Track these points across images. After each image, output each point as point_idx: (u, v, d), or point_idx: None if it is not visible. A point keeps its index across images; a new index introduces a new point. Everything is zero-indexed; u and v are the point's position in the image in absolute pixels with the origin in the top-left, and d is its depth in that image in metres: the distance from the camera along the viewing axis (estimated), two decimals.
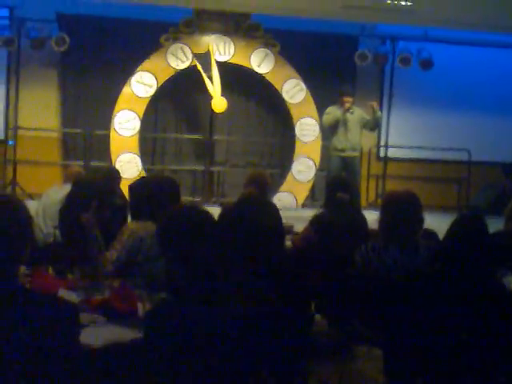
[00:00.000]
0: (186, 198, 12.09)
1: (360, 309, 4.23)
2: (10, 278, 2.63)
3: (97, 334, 3.52)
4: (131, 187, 5.19)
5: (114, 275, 4.48)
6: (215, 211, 4.04)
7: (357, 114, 11.03)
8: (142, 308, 3.87)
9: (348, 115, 10.93)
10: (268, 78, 12.66)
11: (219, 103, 12.28)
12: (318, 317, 3.80)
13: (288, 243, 6.13)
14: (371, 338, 3.88)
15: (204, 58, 12.29)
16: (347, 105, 10.91)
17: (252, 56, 12.57)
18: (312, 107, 12.73)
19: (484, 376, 3.69)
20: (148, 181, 5.45)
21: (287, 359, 2.82)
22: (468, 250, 3.96)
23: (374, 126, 11.33)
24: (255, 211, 3.67)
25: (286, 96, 12.72)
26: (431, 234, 5.72)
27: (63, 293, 4.10)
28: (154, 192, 4.86)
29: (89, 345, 3.32)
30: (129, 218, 5.69)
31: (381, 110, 11.71)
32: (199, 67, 12.24)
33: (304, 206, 12.72)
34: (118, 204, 6.53)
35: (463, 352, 3.68)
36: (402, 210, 4.64)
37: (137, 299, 3.98)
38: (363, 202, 11.96)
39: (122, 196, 7.16)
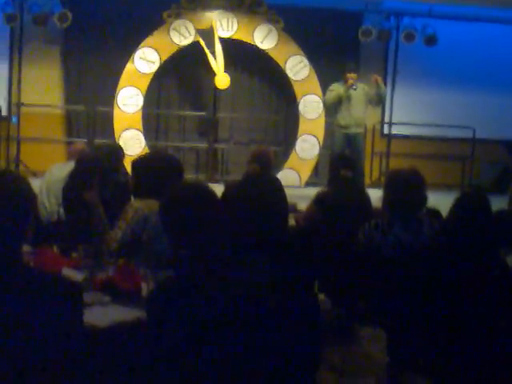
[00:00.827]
0: (189, 176, 12.10)
1: (363, 288, 4.23)
2: (13, 257, 2.62)
3: (101, 314, 3.53)
4: (134, 164, 5.16)
5: (119, 254, 4.47)
6: (219, 189, 4.04)
7: (361, 90, 10.99)
8: (146, 287, 3.87)
9: (351, 91, 10.88)
10: (271, 54, 12.61)
11: (222, 79, 12.25)
12: (321, 296, 3.80)
13: (291, 221, 6.13)
14: (375, 318, 3.88)
15: (207, 33, 12.25)
16: (350, 81, 10.86)
17: (255, 32, 12.52)
18: (316, 84, 12.68)
19: (487, 355, 3.69)
20: (150, 158, 5.42)
21: (294, 341, 2.81)
22: (471, 228, 3.96)
23: (378, 100, 11.29)
24: (259, 188, 3.66)
25: (289, 73, 12.67)
26: (435, 212, 5.72)
27: (67, 271, 4.11)
28: (156, 169, 4.82)
29: (93, 324, 3.32)
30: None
31: (385, 86, 11.64)
32: (202, 43, 12.20)
33: (308, 183, 12.71)
34: (122, 181, 6.52)
35: (466, 331, 3.68)
36: (405, 188, 4.63)
37: (141, 278, 3.98)
38: (367, 180, 11.95)
39: (126, 173, 7.15)
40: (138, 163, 5.13)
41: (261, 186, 3.69)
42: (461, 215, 4.05)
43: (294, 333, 2.78)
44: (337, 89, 10.97)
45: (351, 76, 10.90)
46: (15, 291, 2.55)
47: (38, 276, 2.68)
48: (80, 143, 9.86)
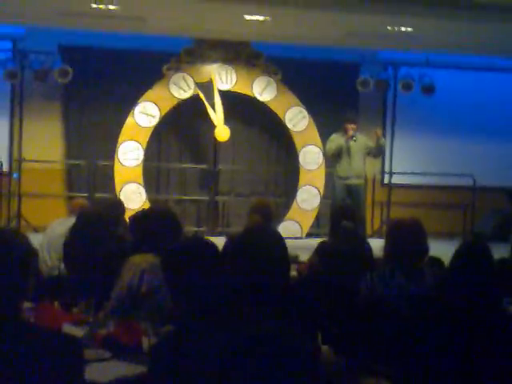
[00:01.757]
0: (190, 228, 12.10)
1: (367, 338, 4.20)
2: (14, 314, 2.61)
3: (102, 370, 3.50)
4: (131, 220, 5.19)
5: (116, 311, 4.46)
6: (220, 241, 4.03)
7: (360, 142, 11.02)
8: (147, 342, 3.85)
9: (351, 143, 10.91)
10: (270, 105, 12.70)
11: (222, 132, 12.32)
12: (325, 348, 3.77)
13: (293, 273, 6.11)
14: (379, 369, 3.85)
15: (206, 86, 12.35)
16: (350, 132, 10.90)
17: (254, 84, 12.62)
18: (315, 135, 12.75)
19: None
20: (148, 213, 5.44)
21: None
22: (473, 277, 3.94)
23: (377, 153, 11.34)
24: (260, 241, 3.65)
25: (288, 124, 12.75)
26: (436, 261, 5.71)
27: (68, 327, 4.09)
28: (154, 225, 4.85)
29: (94, 381, 3.30)
30: None
31: (384, 135, 11.72)
32: (202, 96, 12.29)
33: (309, 234, 12.69)
34: (123, 235, 6.51)
35: (471, 380, 3.65)
36: (406, 238, 4.63)
37: (142, 333, 3.96)
38: (368, 230, 11.94)
39: (126, 227, 7.15)
40: (135, 219, 5.15)
41: (262, 238, 3.69)
42: (462, 264, 4.04)
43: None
44: (337, 140, 11.00)
45: (351, 127, 10.93)
46: (16, 347, 2.54)
47: (38, 332, 2.67)
48: (81, 199, 9.87)
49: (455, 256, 4.19)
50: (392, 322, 4.14)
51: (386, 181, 13.84)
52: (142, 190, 12.32)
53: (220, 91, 12.39)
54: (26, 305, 4.12)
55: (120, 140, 12.26)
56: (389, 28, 11.15)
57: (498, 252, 4.85)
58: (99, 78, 12.74)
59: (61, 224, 7.09)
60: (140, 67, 12.59)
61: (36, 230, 11.28)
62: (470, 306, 3.76)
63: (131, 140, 12.30)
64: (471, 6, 10.18)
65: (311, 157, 12.77)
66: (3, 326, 2.56)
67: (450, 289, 3.94)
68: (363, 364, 3.96)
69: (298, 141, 12.80)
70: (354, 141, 10.89)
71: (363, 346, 4.23)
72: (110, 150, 12.38)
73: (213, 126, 12.32)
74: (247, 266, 3.55)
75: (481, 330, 3.67)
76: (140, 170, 12.38)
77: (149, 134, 12.41)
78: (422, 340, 3.73)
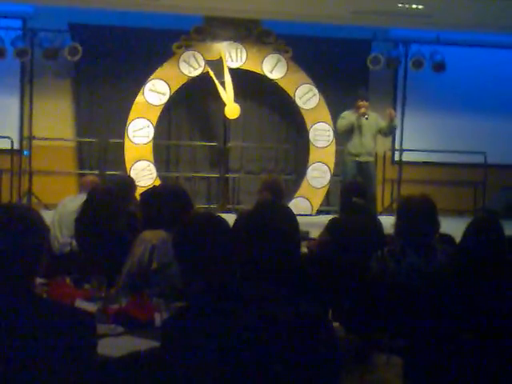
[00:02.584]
0: (201, 206, 12.11)
1: (378, 315, 4.21)
2: (27, 289, 2.63)
3: (114, 344, 3.52)
4: (142, 197, 5.22)
5: (127, 286, 4.48)
6: (231, 218, 4.04)
7: (372, 119, 10.99)
8: (159, 317, 3.87)
9: (363, 120, 10.89)
10: (280, 83, 12.67)
11: (232, 109, 12.30)
12: (335, 324, 3.78)
13: (304, 249, 6.12)
14: (390, 346, 3.86)
15: (216, 64, 12.33)
16: (363, 109, 10.86)
17: (264, 62, 12.58)
18: (325, 112, 12.72)
19: (507, 378, 3.66)
20: (158, 190, 5.46)
21: (309, 371, 2.80)
22: (484, 253, 3.94)
23: (388, 133, 11.32)
24: (271, 217, 3.66)
25: (299, 102, 12.72)
26: (447, 238, 5.71)
27: (80, 303, 4.11)
28: (164, 201, 4.87)
29: (106, 355, 3.31)
30: None
31: (395, 113, 11.67)
32: (212, 74, 12.27)
33: (319, 211, 12.70)
34: (134, 212, 6.53)
35: (483, 355, 3.65)
36: (416, 215, 4.63)
37: (154, 308, 3.98)
38: (379, 207, 11.93)
39: (137, 204, 7.17)
40: (146, 195, 5.17)
41: (272, 215, 3.69)
42: (474, 240, 4.04)
43: (311, 363, 2.76)
44: (348, 117, 10.97)
45: (363, 104, 10.89)
46: (29, 323, 2.56)
47: (51, 307, 2.68)
48: (92, 175, 9.90)
49: (466, 233, 4.19)
50: (403, 298, 4.15)
51: (396, 158, 13.82)
52: (153, 168, 12.33)
53: (230, 69, 12.37)
54: (39, 281, 4.15)
55: (130, 118, 12.26)
56: (399, 5, 11.09)
57: (510, 229, 4.85)
58: (109, 56, 12.72)
59: (72, 201, 7.11)
60: (150, 45, 12.58)
61: (47, 207, 11.32)
62: (481, 282, 3.76)
63: (141, 118, 12.30)
64: None
65: (321, 134, 12.75)
66: (17, 301, 2.58)
67: (461, 265, 3.94)
68: (374, 340, 3.98)
69: (308, 118, 12.78)
70: (366, 119, 10.87)
71: (374, 322, 4.24)
72: (120, 128, 12.39)
73: (223, 104, 12.31)
74: (258, 243, 3.56)
75: (493, 307, 3.67)
76: (150, 148, 12.39)
77: (159, 111, 12.41)
78: (433, 316, 3.73)
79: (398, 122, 11.63)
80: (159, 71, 12.31)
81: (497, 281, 3.88)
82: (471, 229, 4.26)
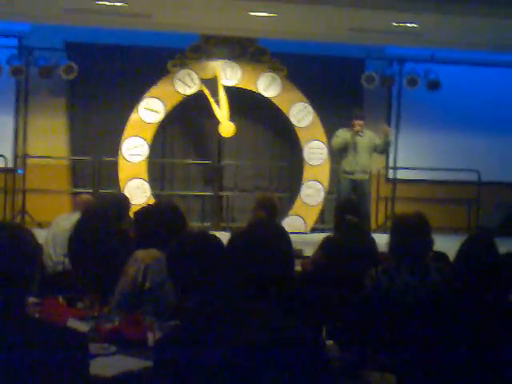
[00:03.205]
0: (195, 224, 12.10)
1: (372, 333, 4.20)
2: (18, 308, 2.61)
3: (107, 364, 3.50)
4: (136, 215, 5.20)
5: (120, 306, 4.46)
6: (225, 236, 4.03)
7: (367, 137, 11.02)
8: (152, 336, 3.85)
9: (358, 138, 10.92)
10: (275, 101, 12.70)
11: (227, 128, 12.31)
12: (329, 342, 3.77)
13: (298, 268, 6.11)
14: (384, 363, 3.85)
15: (211, 83, 12.35)
16: (357, 128, 10.91)
17: (259, 80, 12.62)
18: (320, 130, 12.75)
19: None
20: (152, 209, 5.45)
21: None
22: (479, 271, 3.94)
23: (384, 150, 11.35)
24: (265, 236, 3.65)
25: (293, 119, 12.74)
26: (441, 256, 5.70)
27: (73, 322, 4.09)
28: (158, 220, 4.85)
29: (99, 375, 3.30)
30: None
31: (389, 129, 11.70)
32: (206, 92, 12.29)
33: (313, 229, 12.69)
34: (128, 230, 6.52)
35: (476, 374, 3.64)
36: (410, 233, 4.62)
37: (147, 328, 3.96)
38: (372, 225, 11.94)
39: (131, 222, 7.16)
40: (139, 214, 5.16)
41: (266, 233, 3.68)
42: (468, 258, 4.04)
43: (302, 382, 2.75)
44: (343, 135, 11.00)
45: (358, 123, 10.95)
46: (20, 342, 2.54)
47: (43, 327, 2.67)
48: (86, 194, 9.88)
49: (461, 251, 4.19)
50: (397, 316, 4.14)
51: (390, 176, 13.84)
52: (147, 186, 12.32)
53: (225, 87, 12.39)
54: (31, 300, 4.13)
55: (124, 136, 12.27)
56: (394, 24, 11.14)
57: (504, 247, 4.85)
58: (104, 75, 12.75)
59: (66, 219, 7.10)
60: (145, 63, 12.61)
61: (40, 225, 11.31)
62: (475, 300, 3.76)
63: (136, 136, 12.30)
64: (477, 1, 10.17)
65: (315, 152, 12.76)
66: (8, 320, 2.56)
67: (456, 283, 3.94)
68: (368, 358, 3.96)
69: (302, 136, 12.79)
70: (361, 136, 10.90)
71: (368, 340, 4.23)
72: (114, 146, 12.39)
73: (217, 122, 12.32)
74: (252, 262, 3.55)
75: (486, 324, 3.67)
76: (144, 166, 12.39)
77: (153, 129, 12.41)
78: (427, 334, 3.73)
79: (392, 139, 11.66)
80: (154, 89, 12.33)
81: (491, 298, 3.87)
82: (466, 247, 4.27)
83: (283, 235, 3.73)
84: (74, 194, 12.43)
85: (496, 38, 11.71)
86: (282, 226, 4.03)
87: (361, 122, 11.00)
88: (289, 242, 3.70)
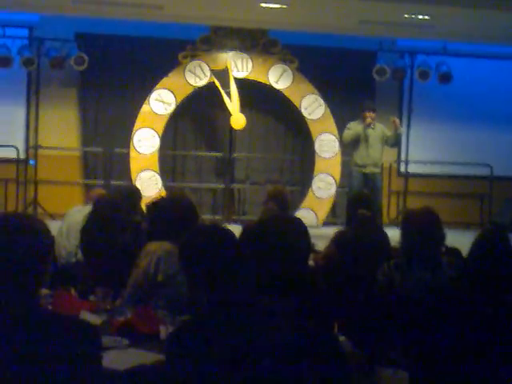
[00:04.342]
0: (206, 216, 12.10)
1: (384, 329, 4.18)
2: (31, 300, 2.61)
3: (119, 357, 3.50)
4: (148, 207, 5.19)
5: (132, 298, 4.46)
6: (236, 229, 4.02)
7: (378, 130, 10.98)
8: (164, 330, 3.84)
9: (369, 130, 10.88)
10: (286, 93, 12.67)
11: (238, 120, 12.30)
12: (341, 338, 3.75)
13: (310, 262, 6.09)
14: (396, 360, 3.83)
15: (222, 74, 12.33)
16: (369, 120, 10.86)
17: (270, 72, 12.59)
18: (331, 123, 12.71)
19: None
20: (164, 201, 5.43)
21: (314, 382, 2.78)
22: (492, 266, 3.92)
23: (394, 142, 11.28)
24: (278, 228, 3.64)
25: (304, 112, 12.71)
26: (454, 251, 5.67)
27: (85, 315, 4.09)
28: (170, 212, 4.83)
29: (111, 368, 3.29)
30: None
31: (400, 124, 11.65)
32: (217, 84, 12.27)
33: (325, 223, 12.67)
34: (139, 222, 6.52)
35: (489, 371, 3.62)
36: (421, 228, 4.61)
37: (159, 321, 3.95)
38: (384, 219, 11.91)
39: (143, 214, 7.15)
40: (152, 206, 5.15)
41: (280, 226, 3.67)
42: (481, 254, 4.01)
43: (316, 376, 2.74)
44: (354, 127, 10.97)
45: (370, 115, 10.90)
46: (33, 334, 2.54)
47: (56, 319, 2.67)
48: (99, 188, 9.88)
49: (474, 246, 4.17)
50: (409, 312, 4.12)
51: (402, 170, 13.80)
52: (158, 178, 12.33)
53: (236, 79, 12.37)
54: (44, 291, 4.13)
55: (136, 127, 12.27)
56: (406, 16, 11.09)
57: None
58: (115, 66, 12.75)
59: (80, 211, 7.09)
60: (156, 55, 12.60)
61: (52, 216, 11.33)
62: (488, 296, 3.73)
63: (147, 127, 12.31)
64: None
65: (327, 145, 12.74)
66: (21, 312, 2.56)
67: (468, 278, 3.92)
68: (380, 354, 3.95)
69: (313, 129, 12.77)
70: (372, 128, 10.86)
71: (380, 336, 4.21)
72: (125, 138, 12.40)
73: (228, 114, 12.31)
74: (265, 255, 3.54)
75: (499, 321, 3.65)
76: (156, 158, 12.39)
77: (164, 121, 12.41)
78: (440, 330, 3.71)
79: (403, 131, 11.61)
80: (165, 81, 12.32)
81: (505, 295, 3.85)
82: (479, 242, 4.24)
83: (298, 228, 3.71)
84: (86, 186, 12.47)
85: (508, 31, 11.65)
86: (298, 218, 4.00)
87: (372, 114, 10.96)
88: (304, 235, 3.68)
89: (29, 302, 2.59)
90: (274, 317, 2.95)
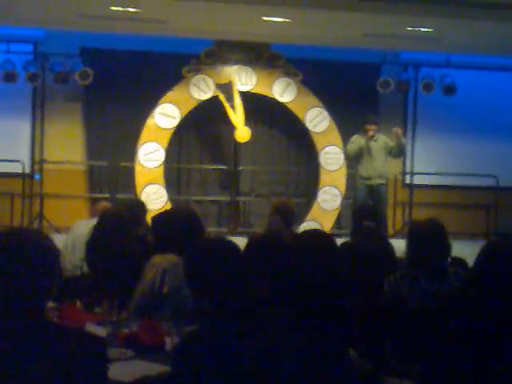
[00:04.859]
0: (211, 229, 12.10)
1: (390, 339, 4.19)
2: (37, 314, 2.62)
3: (125, 369, 3.50)
4: (154, 220, 5.21)
5: (138, 310, 4.47)
6: (241, 242, 4.03)
7: (381, 142, 10.99)
8: (170, 342, 3.85)
9: (372, 143, 10.89)
10: (290, 107, 12.69)
11: (243, 133, 12.32)
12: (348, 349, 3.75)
13: None
14: (402, 370, 3.83)
15: (226, 88, 12.36)
16: (371, 133, 10.87)
17: (274, 85, 12.62)
18: (336, 135, 12.72)
19: None
20: (170, 214, 5.45)
21: None
22: (499, 277, 3.91)
23: (398, 152, 11.26)
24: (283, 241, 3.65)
25: (309, 125, 12.73)
26: (460, 262, 5.67)
27: (91, 327, 4.10)
28: (176, 225, 4.85)
29: (117, 380, 3.30)
30: None
31: (405, 136, 11.66)
32: (222, 97, 12.30)
33: (330, 234, 12.63)
34: (145, 235, 6.53)
35: (496, 381, 3.62)
36: (427, 239, 4.61)
37: (164, 333, 3.96)
38: (390, 230, 11.89)
39: (148, 227, 7.16)
40: (157, 219, 5.16)
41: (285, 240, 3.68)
42: (487, 264, 4.01)
43: None
44: (357, 141, 10.98)
45: (372, 128, 10.91)
46: (40, 347, 2.55)
47: (62, 331, 2.67)
48: (105, 202, 9.89)
49: (480, 257, 4.16)
50: (416, 322, 4.12)
51: (407, 181, 13.79)
52: (163, 191, 12.33)
53: (240, 92, 12.40)
54: (50, 305, 4.14)
55: (141, 141, 12.29)
56: (409, 29, 11.12)
57: None
58: (120, 80, 12.77)
59: (85, 224, 7.11)
60: (160, 69, 12.64)
61: (58, 230, 11.34)
62: (494, 307, 3.73)
63: (152, 141, 12.33)
64: (492, 5, 10.13)
65: (332, 157, 12.74)
66: (27, 325, 2.57)
67: (475, 289, 3.91)
68: (386, 364, 3.95)
69: (318, 142, 12.78)
70: (375, 141, 10.87)
71: (386, 346, 4.21)
72: (131, 152, 12.42)
73: (233, 127, 12.33)
74: (269, 267, 3.54)
75: (506, 332, 3.64)
76: (161, 171, 12.40)
77: (169, 135, 12.43)
78: (446, 341, 3.70)
79: (407, 142, 11.61)
80: (169, 95, 12.35)
81: (511, 308, 3.84)
82: (485, 253, 4.23)
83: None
84: (91, 200, 12.48)
85: None
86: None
87: (374, 127, 10.96)
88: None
89: (35, 315, 2.60)
90: (278, 326, 2.95)
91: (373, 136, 10.86)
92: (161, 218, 5.19)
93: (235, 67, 12.53)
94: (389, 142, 11.07)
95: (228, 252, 3.32)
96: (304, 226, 12.35)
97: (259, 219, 12.39)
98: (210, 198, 13.18)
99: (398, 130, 11.09)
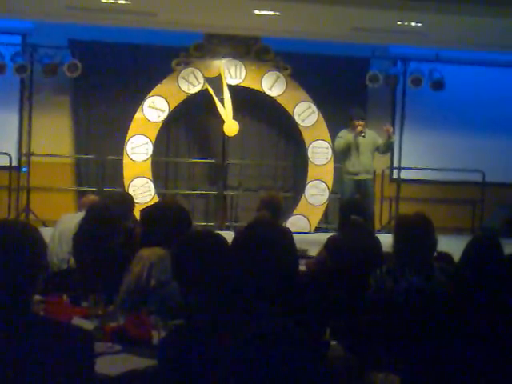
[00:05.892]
0: (198, 223, 12.10)
1: (376, 334, 4.20)
2: (24, 306, 2.62)
3: (111, 363, 3.51)
4: (142, 214, 5.21)
5: (125, 303, 4.47)
6: (229, 235, 4.03)
7: (369, 137, 10.96)
8: (156, 335, 3.85)
9: (360, 138, 10.87)
10: (279, 100, 12.69)
11: (231, 126, 12.30)
12: (334, 343, 3.76)
13: (302, 267, 6.11)
14: (388, 364, 3.85)
15: (215, 81, 12.34)
16: (359, 128, 10.84)
17: (263, 79, 12.61)
18: (324, 130, 12.73)
19: None
20: (158, 207, 5.46)
21: None
22: (483, 271, 3.94)
23: (386, 150, 11.27)
24: (266, 235, 3.65)
25: (297, 119, 12.73)
26: (446, 256, 5.70)
27: (77, 321, 4.09)
28: (164, 219, 4.86)
29: (103, 373, 3.30)
30: None
31: (393, 131, 11.65)
32: (211, 91, 12.28)
33: (317, 229, 12.68)
34: (132, 229, 6.52)
35: (479, 376, 3.64)
36: (413, 234, 4.63)
37: (151, 326, 3.96)
38: (377, 225, 11.91)
39: (136, 221, 7.16)
40: (146, 213, 5.17)
41: (269, 233, 3.69)
42: (473, 259, 4.04)
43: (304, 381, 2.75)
44: (345, 136, 10.95)
45: (359, 123, 10.88)
46: (26, 340, 2.55)
47: (48, 325, 2.67)
48: (92, 195, 9.87)
49: (465, 251, 4.19)
50: (401, 316, 4.14)
51: (394, 176, 13.82)
52: (151, 185, 12.32)
53: (229, 86, 12.39)
54: (36, 298, 4.13)
55: (129, 134, 12.26)
56: (398, 23, 11.12)
57: (508, 248, 4.84)
58: (108, 73, 12.74)
59: (72, 217, 7.09)
60: (149, 62, 12.62)
61: (45, 223, 11.31)
62: (479, 301, 3.75)
63: (140, 134, 12.30)
64: (481, 1, 10.16)
65: (320, 152, 12.75)
66: (13, 318, 2.57)
67: (460, 283, 3.94)
68: (371, 358, 3.96)
69: (306, 136, 12.78)
70: (363, 137, 10.85)
71: (372, 340, 4.23)
72: (118, 145, 12.39)
73: (222, 121, 12.32)
74: (256, 261, 3.55)
75: (490, 325, 3.66)
76: (149, 165, 12.39)
77: (158, 128, 12.41)
78: (431, 335, 3.72)
79: (396, 139, 11.60)
80: (158, 88, 12.33)
81: (497, 299, 3.86)
82: (471, 247, 4.26)
83: (285, 234, 3.73)
84: (79, 193, 12.45)
85: (501, 38, 11.70)
86: (285, 226, 4.05)
87: (362, 123, 10.93)
88: (291, 241, 3.70)
89: (21, 308, 2.60)
90: (264, 320, 2.96)
91: (361, 132, 10.83)
92: (148, 211, 5.20)
93: (224, 60, 12.52)
94: (378, 138, 11.04)
95: (215, 245, 3.32)
96: (291, 221, 12.38)
97: (247, 213, 12.38)
98: (198, 192, 13.17)
99: (389, 128, 11.06)
